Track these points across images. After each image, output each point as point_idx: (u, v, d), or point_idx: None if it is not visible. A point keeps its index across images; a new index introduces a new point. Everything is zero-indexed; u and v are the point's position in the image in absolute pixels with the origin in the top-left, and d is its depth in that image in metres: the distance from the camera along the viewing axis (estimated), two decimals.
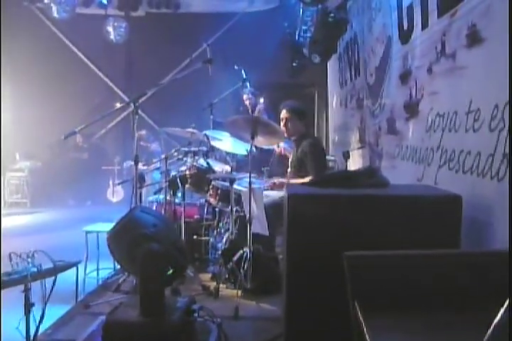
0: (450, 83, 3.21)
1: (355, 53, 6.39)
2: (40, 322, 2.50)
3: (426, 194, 2.83)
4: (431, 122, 3.54)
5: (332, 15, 5.38)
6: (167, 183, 4.50)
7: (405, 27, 4.19)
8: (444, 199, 2.67)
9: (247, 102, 6.96)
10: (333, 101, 8.36)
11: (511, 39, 2.00)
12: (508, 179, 2.41)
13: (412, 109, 4.02)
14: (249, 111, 6.90)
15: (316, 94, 9.91)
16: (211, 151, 4.76)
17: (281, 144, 5.08)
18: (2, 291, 2.40)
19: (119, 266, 4.08)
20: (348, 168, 5.74)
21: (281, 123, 4.63)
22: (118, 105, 7.40)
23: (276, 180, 4.67)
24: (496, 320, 1.37)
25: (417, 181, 3.77)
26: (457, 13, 3.07)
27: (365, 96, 5.81)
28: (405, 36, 4.21)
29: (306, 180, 3.98)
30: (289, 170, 4.80)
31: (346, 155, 5.73)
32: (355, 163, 6.07)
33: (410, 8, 4.02)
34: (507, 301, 1.36)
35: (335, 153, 7.65)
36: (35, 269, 2.45)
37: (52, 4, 8.44)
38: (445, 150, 3.26)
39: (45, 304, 2.47)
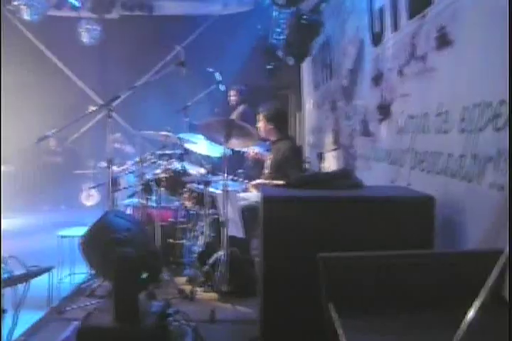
0: (420, 85, 3.25)
1: (328, 55, 6.45)
2: (13, 328, 2.47)
3: (399, 195, 2.86)
4: (403, 124, 3.58)
5: (306, 17, 5.42)
6: (141, 187, 4.48)
7: (377, 29, 4.24)
8: (417, 200, 2.71)
9: (232, 97, 6.98)
10: (308, 103, 8.41)
11: (511, 40, 2.03)
12: (477, 180, 2.46)
13: (384, 110, 4.07)
14: (232, 108, 6.92)
15: (291, 96, 9.95)
16: (186, 154, 4.75)
17: (254, 148, 5.07)
18: None
19: (93, 271, 4.04)
20: (323, 170, 5.78)
21: (258, 126, 4.65)
22: (92, 108, 7.33)
23: (254, 182, 4.66)
24: (466, 320, 1.39)
25: (391, 182, 3.81)
26: (427, 16, 3.11)
27: (339, 98, 5.86)
28: (377, 39, 4.26)
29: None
30: (266, 171, 4.81)
31: (321, 157, 5.77)
32: (330, 164, 6.11)
33: (381, 10, 4.07)
34: (477, 301, 1.39)
35: (310, 154, 7.69)
36: (8, 275, 2.42)
37: (23, 6, 8.29)
38: (417, 151, 3.30)
39: (18, 310, 2.43)
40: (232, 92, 7.02)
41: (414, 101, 3.39)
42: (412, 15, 3.37)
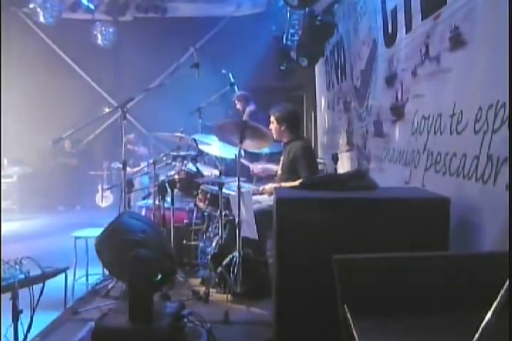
0: (434, 86, 3.24)
1: (341, 56, 6.43)
2: (29, 329, 2.49)
3: (414, 196, 2.84)
4: (416, 125, 3.56)
5: (319, 18, 5.42)
6: (156, 188, 4.50)
7: (390, 30, 4.23)
8: (432, 201, 2.68)
9: (238, 105, 6.99)
10: (321, 104, 8.40)
11: (511, 41, 2.02)
12: (493, 181, 2.44)
13: (398, 111, 4.05)
14: (240, 114, 6.92)
15: (305, 97, 9.94)
16: (200, 155, 4.76)
17: (258, 165, 5.07)
18: None
19: (108, 272, 4.07)
20: (337, 171, 5.76)
21: (271, 127, 4.65)
22: (106, 110, 7.38)
23: (267, 186, 4.65)
24: (483, 324, 1.38)
25: (404, 184, 3.79)
26: (440, 16, 3.10)
27: (352, 99, 5.84)
28: (390, 39, 4.25)
29: (297, 183, 3.98)
30: (278, 173, 4.80)
31: (335, 158, 5.76)
32: (344, 165, 6.09)
33: (394, 11, 4.05)
34: (494, 304, 1.37)
35: (324, 155, 7.68)
36: (23, 276, 2.44)
37: (38, 9, 8.39)
38: (431, 152, 3.28)
39: (33, 311, 2.46)
40: (235, 100, 7.01)
41: (428, 101, 3.38)
42: (425, 16, 3.36)
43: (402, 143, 3.97)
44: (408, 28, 3.77)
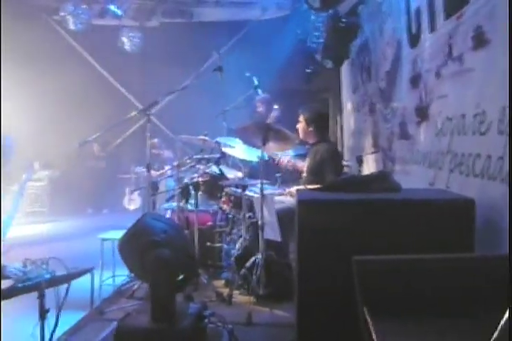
0: (457, 86, 3.20)
1: (366, 58, 6.39)
2: (55, 328, 2.54)
3: (438, 198, 2.81)
4: (440, 126, 3.52)
5: (343, 20, 5.40)
6: (179, 190, 4.54)
7: (414, 30, 4.19)
8: (457, 203, 2.65)
9: (259, 109, 6.99)
10: (347, 106, 8.35)
11: (511, 41, 1.99)
12: None
13: (422, 112, 4.01)
14: (262, 117, 6.92)
15: (331, 100, 9.89)
16: (222, 158, 4.78)
17: (286, 156, 5.03)
18: (17, 297, 2.45)
19: (130, 272, 4.12)
20: (362, 173, 5.72)
21: (297, 127, 4.64)
22: (132, 113, 7.48)
23: (292, 189, 4.64)
24: (500, 325, 1.37)
25: (429, 185, 3.75)
26: (463, 16, 3.06)
27: (378, 100, 5.80)
28: (414, 40, 4.21)
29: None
30: (304, 175, 4.79)
31: (359, 160, 5.71)
32: (369, 167, 6.04)
33: (418, 11, 4.02)
34: None
35: (349, 158, 7.63)
36: (49, 276, 2.49)
37: (69, 16, 8.58)
38: (455, 153, 3.24)
39: (59, 310, 2.51)
40: (257, 103, 7.01)
41: (452, 102, 3.34)
42: (448, 15, 3.32)
43: (427, 145, 3.92)
44: (432, 28, 3.74)
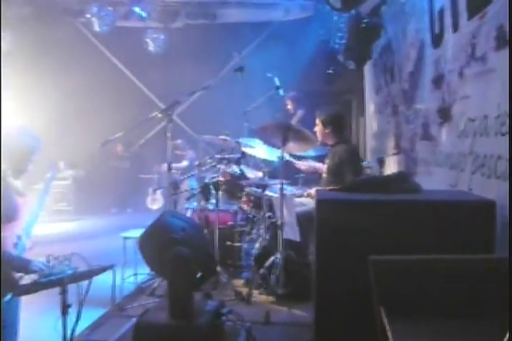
0: (480, 86, 3.16)
1: (389, 59, 6.35)
2: (76, 323, 2.59)
3: (457, 199, 2.79)
4: (463, 127, 3.49)
5: (365, 21, 5.39)
6: (199, 190, 4.58)
7: (437, 31, 4.16)
8: (477, 204, 2.63)
9: (288, 106, 7.02)
10: (370, 107, 8.30)
11: (511, 41, 1.97)
12: None
13: (445, 113, 3.97)
14: (290, 114, 6.94)
15: (354, 101, 9.85)
16: (243, 158, 4.81)
17: (305, 161, 5.03)
18: (40, 292, 2.50)
19: (149, 269, 4.17)
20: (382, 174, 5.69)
21: (315, 129, 4.65)
22: (155, 113, 7.55)
23: (313, 190, 4.64)
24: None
25: (451, 187, 3.71)
26: (486, 15, 3.03)
27: (400, 101, 5.76)
28: (437, 40, 4.17)
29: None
30: (324, 175, 4.79)
31: (381, 162, 5.68)
32: (391, 169, 6.00)
33: (441, 11, 3.98)
34: None
35: (371, 159, 7.59)
36: (71, 271, 2.54)
37: (94, 19, 8.72)
38: (477, 155, 3.20)
39: (81, 305, 2.55)
40: (287, 101, 7.05)
41: (474, 103, 3.30)
42: (471, 15, 3.29)
43: (449, 146, 3.89)
44: (455, 28, 3.70)
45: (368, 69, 7.77)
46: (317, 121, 4.63)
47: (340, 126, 4.63)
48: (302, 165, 5.04)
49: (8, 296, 2.47)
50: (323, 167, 4.76)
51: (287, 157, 4.69)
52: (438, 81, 4.18)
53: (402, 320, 1.95)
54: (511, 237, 1.70)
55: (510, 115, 2.03)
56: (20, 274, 2.64)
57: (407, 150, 5.43)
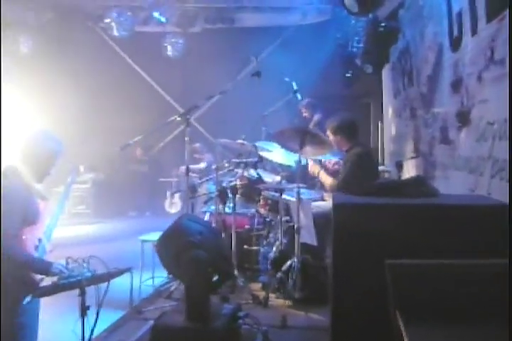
0: (499, 90, 3.14)
1: (408, 62, 6.32)
2: (95, 324, 2.61)
3: (475, 203, 2.77)
4: (482, 130, 3.46)
5: (383, 24, 5.38)
6: (217, 193, 4.60)
7: (455, 34, 4.13)
8: (494, 208, 2.60)
9: (305, 114, 7.02)
10: (388, 111, 8.27)
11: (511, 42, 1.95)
12: None
13: (463, 117, 3.95)
14: (307, 121, 6.93)
15: (372, 105, 9.81)
16: (260, 162, 4.82)
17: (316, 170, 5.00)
18: (59, 294, 2.53)
19: (166, 271, 4.19)
20: (401, 178, 5.66)
21: (329, 139, 4.64)
22: (174, 118, 7.61)
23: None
24: None
25: (470, 192, 3.68)
26: (505, 18, 3.01)
27: (419, 105, 5.73)
28: (456, 43, 4.15)
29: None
30: (340, 179, 4.77)
31: (399, 166, 5.65)
32: (410, 173, 5.97)
33: (460, 15, 3.97)
34: None
35: (389, 163, 7.55)
36: (90, 274, 2.57)
37: (113, 24, 8.82)
38: (496, 159, 3.18)
39: (99, 307, 2.58)
40: (302, 109, 7.03)
41: (493, 106, 3.28)
42: (490, 18, 3.27)
43: (468, 150, 3.86)
44: (473, 32, 3.68)
45: (385, 72, 7.75)
46: (328, 132, 4.62)
47: (350, 131, 4.58)
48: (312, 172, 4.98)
49: (29, 298, 2.52)
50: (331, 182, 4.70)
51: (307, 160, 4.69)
52: (456, 84, 4.15)
53: (418, 324, 1.94)
54: (511, 238, 1.69)
55: (510, 116, 2.02)
56: (40, 276, 2.68)
57: (425, 153, 5.40)
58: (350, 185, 4.32)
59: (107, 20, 8.81)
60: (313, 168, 4.71)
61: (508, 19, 1.94)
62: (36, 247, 2.76)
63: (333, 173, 4.91)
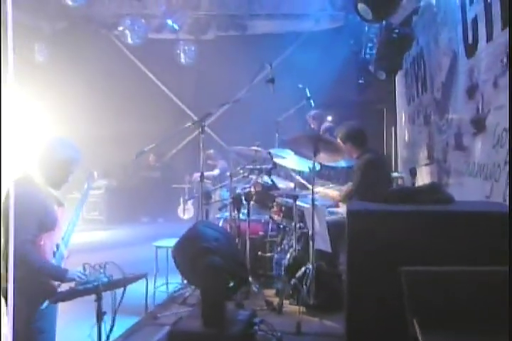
0: None
1: (421, 68, 6.32)
2: (111, 330, 2.63)
3: (490, 210, 2.75)
4: (498, 137, 3.45)
5: (396, 31, 5.38)
6: (231, 200, 4.61)
7: (470, 40, 4.13)
8: (505, 215, 2.59)
9: (312, 125, 7.01)
10: (401, 117, 8.25)
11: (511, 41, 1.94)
12: None
13: (479, 124, 3.93)
14: (316, 132, 6.91)
15: (385, 111, 9.80)
16: (274, 168, 4.83)
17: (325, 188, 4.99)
18: (76, 300, 2.55)
19: (182, 277, 4.20)
20: (415, 185, 5.63)
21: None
22: (187, 125, 7.67)
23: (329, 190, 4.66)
24: None
25: (485, 198, 3.66)
26: None
27: (433, 111, 5.71)
28: (471, 50, 4.14)
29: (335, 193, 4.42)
30: (351, 187, 4.77)
31: (413, 172, 5.63)
32: (424, 179, 5.94)
33: (475, 21, 3.96)
34: None
35: (403, 169, 7.52)
36: (106, 279, 2.59)
37: (127, 31, 8.91)
38: None
39: (115, 313, 2.59)
40: (309, 120, 7.03)
41: (510, 113, 3.26)
42: (505, 24, 3.26)
43: (483, 157, 3.84)
44: (489, 38, 3.67)
45: (399, 79, 7.75)
46: (341, 140, 4.63)
47: (359, 139, 4.59)
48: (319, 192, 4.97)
49: (46, 303, 2.54)
50: (337, 195, 4.70)
51: (299, 177, 4.73)
52: (472, 91, 4.14)
53: (435, 331, 1.94)
54: (511, 240, 1.68)
55: (510, 116, 2.01)
56: (57, 282, 2.71)
57: (439, 160, 5.38)
58: (358, 193, 4.34)
59: (121, 28, 8.90)
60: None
61: (509, 20, 1.94)
62: (54, 253, 2.79)
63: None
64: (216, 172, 8.49)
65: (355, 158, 4.64)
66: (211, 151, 8.61)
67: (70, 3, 7.59)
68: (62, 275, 2.66)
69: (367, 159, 4.46)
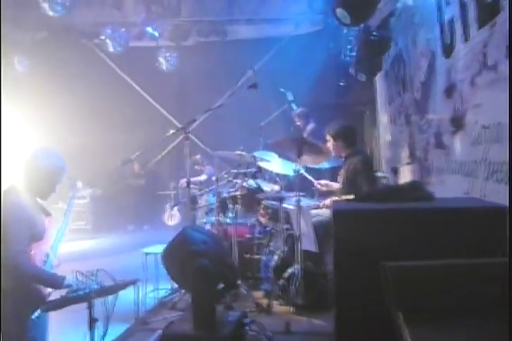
0: (492, 94, 3.20)
1: (401, 69, 6.41)
2: (104, 336, 2.64)
3: (469, 206, 2.82)
4: (476, 135, 3.53)
5: (374, 33, 5.47)
6: (217, 204, 4.65)
7: (448, 41, 4.21)
8: (489, 210, 2.65)
9: (298, 123, 7.10)
10: (383, 118, 8.35)
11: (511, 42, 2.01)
12: None
13: (457, 122, 4.01)
14: (301, 130, 7.01)
15: (367, 113, 9.90)
16: (259, 172, 4.88)
17: (321, 181, 5.05)
18: (66, 308, 2.56)
19: (175, 286, 4.23)
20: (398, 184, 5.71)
21: (328, 145, 4.70)
22: (171, 132, 7.70)
23: (327, 200, 4.69)
24: None
25: (465, 194, 3.74)
26: (497, 24, 3.08)
27: (413, 111, 5.80)
28: (448, 50, 4.22)
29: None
30: (339, 186, 4.84)
31: (395, 171, 5.71)
32: (406, 178, 6.03)
33: (451, 21, 4.04)
34: None
35: (386, 169, 7.61)
36: (98, 286, 2.61)
37: (108, 40, 8.90)
38: (491, 162, 3.24)
39: (108, 319, 2.61)
40: (295, 118, 7.13)
41: (487, 111, 3.34)
42: (482, 24, 3.34)
43: (462, 154, 3.92)
44: (466, 38, 3.76)
45: (379, 80, 7.84)
46: (327, 136, 4.70)
47: (350, 137, 4.67)
48: (319, 184, 5.05)
49: (38, 312, 2.54)
50: (337, 185, 4.79)
51: (303, 171, 4.75)
52: (450, 90, 4.22)
53: (421, 325, 1.97)
54: (511, 239, 1.74)
55: (510, 116, 2.07)
56: (49, 290, 2.72)
57: (421, 159, 5.46)
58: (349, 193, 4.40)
59: (102, 37, 8.89)
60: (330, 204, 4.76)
61: (508, 19, 2.00)
62: (44, 262, 2.80)
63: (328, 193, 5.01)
64: (203, 177, 8.51)
65: (342, 157, 4.71)
66: (198, 157, 8.63)
67: (50, 13, 7.56)
68: (59, 282, 2.68)
69: (365, 160, 4.56)
